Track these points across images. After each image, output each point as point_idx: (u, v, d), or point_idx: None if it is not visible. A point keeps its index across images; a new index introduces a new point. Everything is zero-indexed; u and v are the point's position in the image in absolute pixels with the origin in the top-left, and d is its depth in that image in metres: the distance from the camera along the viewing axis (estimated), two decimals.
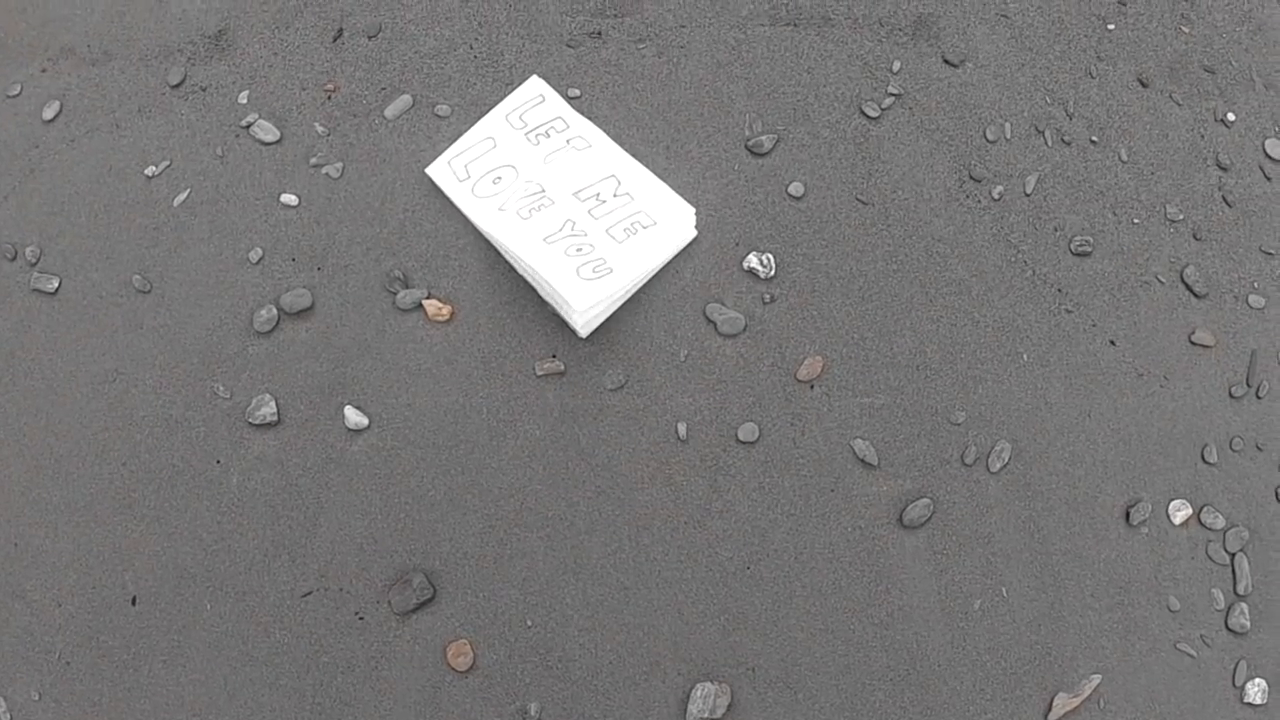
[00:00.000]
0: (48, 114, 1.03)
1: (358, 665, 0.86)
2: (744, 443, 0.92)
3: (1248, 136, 1.07)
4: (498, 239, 0.93)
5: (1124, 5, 1.11)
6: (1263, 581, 0.93)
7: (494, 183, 0.97)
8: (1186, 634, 0.91)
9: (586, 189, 0.96)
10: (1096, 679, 0.88)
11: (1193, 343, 0.99)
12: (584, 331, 0.93)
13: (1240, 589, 0.92)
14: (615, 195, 0.96)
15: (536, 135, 0.99)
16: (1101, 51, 1.09)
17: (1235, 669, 0.90)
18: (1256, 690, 0.90)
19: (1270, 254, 1.03)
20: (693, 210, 0.96)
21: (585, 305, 0.88)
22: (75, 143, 1.02)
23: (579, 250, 0.91)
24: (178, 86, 1.04)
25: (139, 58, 1.05)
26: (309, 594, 0.87)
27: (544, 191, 0.95)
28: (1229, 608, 0.92)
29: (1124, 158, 1.05)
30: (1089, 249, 1.01)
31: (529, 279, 0.95)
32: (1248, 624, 0.91)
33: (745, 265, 0.97)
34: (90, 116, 1.03)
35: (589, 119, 1.02)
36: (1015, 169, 1.03)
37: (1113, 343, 0.98)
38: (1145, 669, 0.89)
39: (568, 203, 0.95)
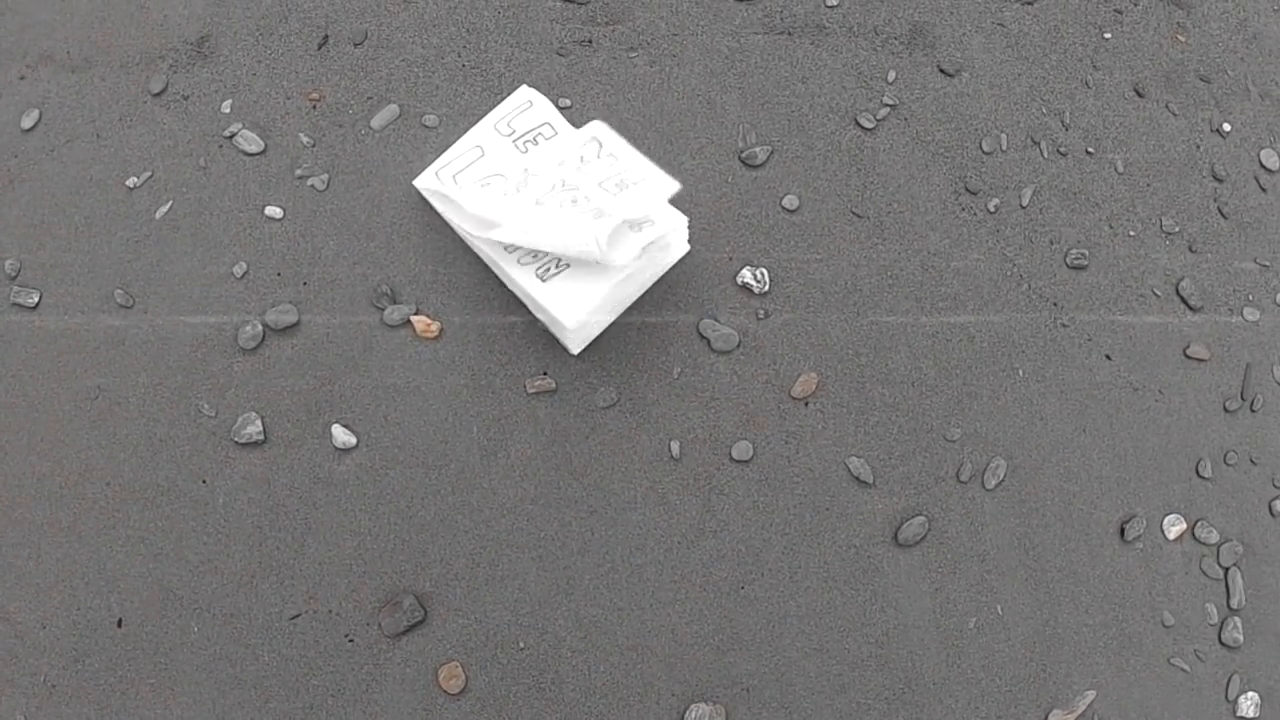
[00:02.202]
0: (26, 122, 1.01)
1: (348, 688, 0.85)
2: (738, 461, 0.91)
3: (1243, 147, 1.07)
4: (490, 221, 0.90)
5: (1120, 14, 1.10)
6: (1256, 596, 0.93)
7: (482, 186, 0.95)
8: (1180, 649, 0.91)
9: (569, 158, 0.94)
10: (1091, 695, 0.88)
11: (1188, 356, 0.99)
12: (575, 349, 0.91)
13: (1234, 603, 0.92)
14: (599, 156, 0.94)
15: (524, 142, 0.98)
16: (1098, 61, 1.08)
17: (1228, 683, 0.91)
18: (1249, 704, 0.90)
19: (1265, 266, 1.03)
20: (686, 221, 0.95)
21: (606, 231, 0.85)
22: (55, 152, 1.00)
23: (574, 202, 0.89)
24: (159, 95, 1.02)
25: (120, 65, 1.03)
26: (298, 616, 0.86)
27: (527, 170, 0.93)
28: (1222, 622, 0.92)
29: (1120, 169, 1.04)
30: (1085, 262, 1.00)
31: (519, 294, 0.93)
32: (1241, 638, 0.91)
33: (739, 280, 0.96)
34: (70, 125, 1.01)
35: (579, 129, 1.00)
36: (1011, 181, 1.02)
37: (1108, 357, 0.98)
38: (1139, 684, 0.89)
39: (552, 170, 0.93)
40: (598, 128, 0.96)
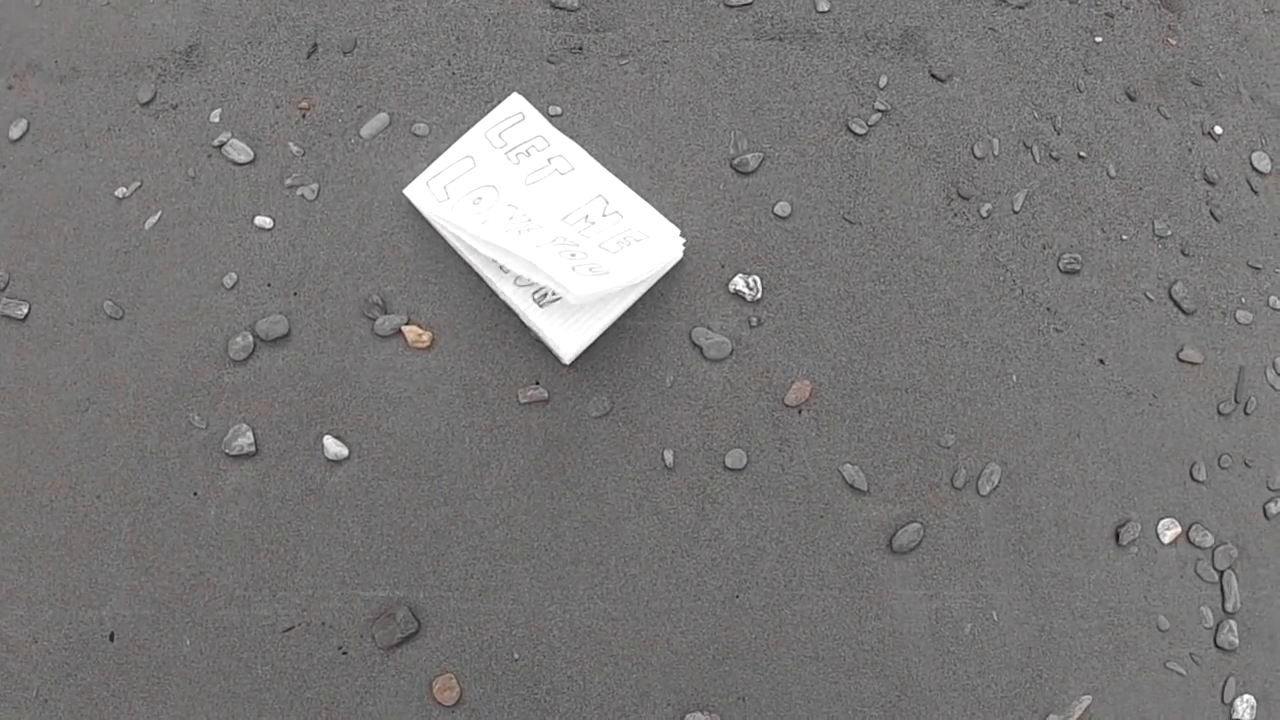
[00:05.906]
0: (14, 133, 1.00)
1: (342, 701, 0.84)
2: (731, 469, 0.91)
3: (1235, 150, 1.07)
4: (484, 241, 0.90)
5: (1111, 18, 1.10)
6: (1251, 598, 0.93)
7: (474, 203, 0.95)
8: (1176, 653, 0.91)
9: (574, 212, 0.94)
10: (1087, 700, 0.88)
11: (1181, 360, 0.99)
12: (568, 359, 0.91)
13: (1229, 606, 0.92)
14: (604, 215, 0.94)
15: (517, 154, 0.97)
16: (1089, 65, 1.08)
17: (1224, 686, 0.91)
18: (1245, 707, 0.90)
19: (1257, 268, 1.03)
20: (678, 231, 0.94)
21: (583, 293, 0.83)
22: (43, 163, 0.99)
23: (573, 255, 0.89)
24: (148, 104, 1.01)
25: (108, 74, 1.03)
26: (290, 629, 0.86)
27: (531, 220, 0.93)
28: (1218, 625, 0.92)
29: (1112, 173, 1.04)
30: (1077, 267, 1.00)
31: (511, 304, 0.93)
32: (1236, 641, 0.91)
33: (731, 288, 0.96)
34: (58, 135, 1.00)
35: (570, 137, 1.00)
36: (1003, 186, 1.02)
37: (1102, 361, 0.98)
38: (1135, 688, 0.89)
39: (556, 225, 0.93)
40: (599, 178, 0.95)
